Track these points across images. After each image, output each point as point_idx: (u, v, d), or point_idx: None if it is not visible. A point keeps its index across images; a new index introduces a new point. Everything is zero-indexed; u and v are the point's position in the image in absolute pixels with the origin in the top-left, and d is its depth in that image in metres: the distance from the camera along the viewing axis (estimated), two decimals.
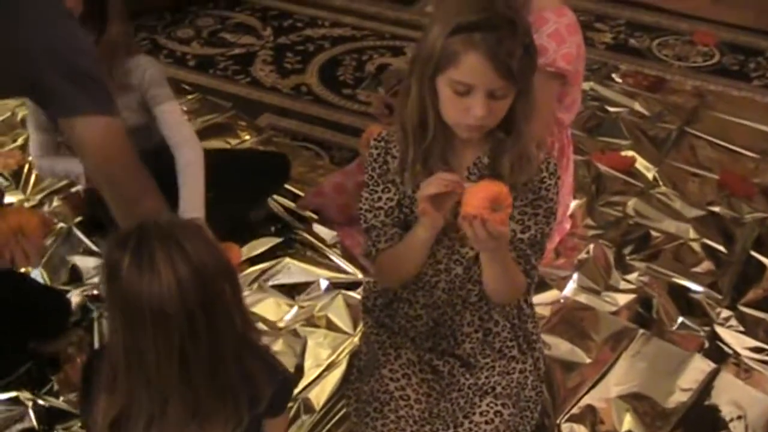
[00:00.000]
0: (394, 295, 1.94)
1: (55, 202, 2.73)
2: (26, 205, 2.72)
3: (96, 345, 2.24)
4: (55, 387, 2.12)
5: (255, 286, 2.42)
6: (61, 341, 2.23)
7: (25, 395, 2.10)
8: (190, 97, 3.26)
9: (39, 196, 2.76)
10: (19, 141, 3.01)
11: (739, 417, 2.08)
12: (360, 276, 2.44)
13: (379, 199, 1.78)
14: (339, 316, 2.33)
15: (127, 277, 1.34)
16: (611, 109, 3.20)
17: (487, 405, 1.83)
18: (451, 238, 1.76)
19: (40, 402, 2.08)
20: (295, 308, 2.36)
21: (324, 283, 2.43)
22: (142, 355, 1.38)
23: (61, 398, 2.10)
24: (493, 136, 1.69)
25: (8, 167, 2.88)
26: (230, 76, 3.43)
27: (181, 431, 1.45)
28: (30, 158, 2.67)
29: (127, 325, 1.38)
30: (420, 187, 1.62)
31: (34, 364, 2.18)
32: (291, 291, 2.42)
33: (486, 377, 1.89)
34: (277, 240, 2.58)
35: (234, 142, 3.00)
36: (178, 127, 2.24)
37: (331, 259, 2.52)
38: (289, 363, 2.17)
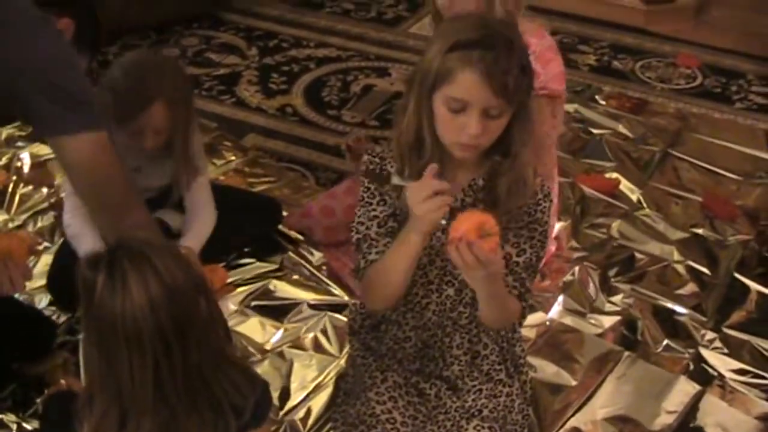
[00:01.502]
0: (382, 317, 1.94)
1: (40, 223, 2.71)
2: (10, 225, 2.70)
3: (82, 367, 2.22)
4: (40, 410, 2.10)
5: (241, 308, 2.41)
6: (46, 363, 2.22)
7: (9, 418, 2.08)
8: None
9: (23, 216, 2.74)
10: (3, 160, 2.99)
11: None
12: (346, 298, 2.44)
13: (374, 210, 1.78)
14: (325, 338, 2.33)
15: (100, 297, 1.36)
16: (595, 131, 3.22)
17: (474, 428, 1.83)
18: (444, 260, 1.76)
19: (25, 425, 2.07)
20: (281, 330, 2.35)
21: (310, 305, 2.43)
22: (116, 375, 1.39)
23: None
24: (489, 159, 1.70)
25: None
26: (215, 96, 3.43)
27: None
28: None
29: (101, 346, 1.39)
30: (408, 191, 1.60)
31: (19, 386, 2.16)
32: (277, 313, 2.41)
33: (473, 400, 1.90)
34: (262, 262, 2.57)
35: (219, 162, 2.99)
36: (206, 200, 2.38)
37: (317, 281, 2.51)
38: (275, 385, 2.16)
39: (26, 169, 2.96)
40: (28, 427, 2.07)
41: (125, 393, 1.39)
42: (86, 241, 2.19)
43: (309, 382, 2.20)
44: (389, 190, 1.75)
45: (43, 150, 3.01)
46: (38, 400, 2.13)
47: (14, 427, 2.07)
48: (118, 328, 1.35)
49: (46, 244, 2.60)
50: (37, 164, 2.97)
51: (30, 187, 2.88)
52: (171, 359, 1.39)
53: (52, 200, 2.80)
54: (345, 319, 2.36)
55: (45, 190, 2.86)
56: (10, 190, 2.86)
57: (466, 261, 1.54)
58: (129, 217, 1.86)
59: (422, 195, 1.56)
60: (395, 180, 1.64)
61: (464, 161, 1.71)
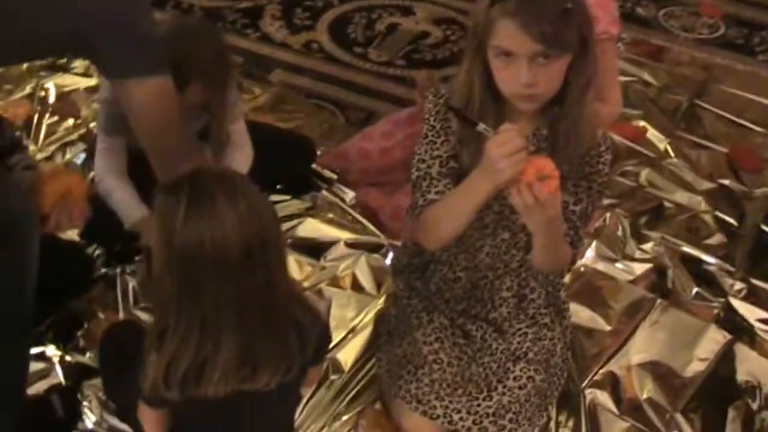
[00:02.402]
0: (432, 256, 1.96)
1: (69, 154, 2.70)
2: (38, 156, 2.69)
3: (120, 301, 2.24)
4: (81, 343, 2.13)
5: None
6: (84, 297, 2.24)
7: (51, 351, 2.10)
8: None
9: (52, 148, 2.73)
10: (27, 89, 2.97)
11: (754, 387, 2.15)
12: (382, 237, 2.46)
13: (438, 148, 1.77)
14: (363, 277, 2.35)
15: (185, 222, 1.37)
16: (621, 78, 3.20)
17: (521, 370, 1.88)
18: (501, 204, 1.77)
19: (67, 358, 2.09)
20: (319, 268, 2.37)
21: (347, 244, 2.44)
22: (199, 299, 1.41)
23: (87, 354, 2.10)
24: (551, 108, 1.71)
25: (18, 117, 2.83)
26: (240, 30, 3.40)
27: (233, 376, 1.47)
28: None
29: (184, 272, 1.40)
30: (491, 144, 1.56)
31: (58, 319, 2.17)
32: (313, 251, 2.43)
33: (518, 343, 1.93)
34: (297, 200, 2.58)
35: (247, 97, 2.97)
36: (244, 140, 2.36)
37: (352, 220, 2.53)
38: None
39: (51, 99, 2.94)
40: (70, 359, 2.10)
41: (208, 317, 1.41)
42: (121, 196, 2.20)
43: (348, 322, 2.23)
44: (456, 135, 1.75)
45: (68, 80, 3.01)
46: (78, 333, 2.16)
47: (56, 359, 2.09)
48: (207, 249, 1.36)
49: None
50: (62, 95, 2.95)
51: (56, 118, 2.86)
52: (253, 282, 1.41)
53: (82, 131, 2.79)
54: (381, 258, 2.40)
55: (72, 121, 2.85)
56: (35, 120, 2.84)
57: (527, 203, 1.55)
58: (188, 163, 1.85)
59: (506, 149, 1.54)
60: (481, 127, 1.63)
61: (526, 112, 1.71)
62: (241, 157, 2.37)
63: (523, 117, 1.72)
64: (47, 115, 2.86)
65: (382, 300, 2.27)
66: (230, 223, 1.38)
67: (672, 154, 2.89)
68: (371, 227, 2.50)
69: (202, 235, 1.37)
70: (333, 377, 2.08)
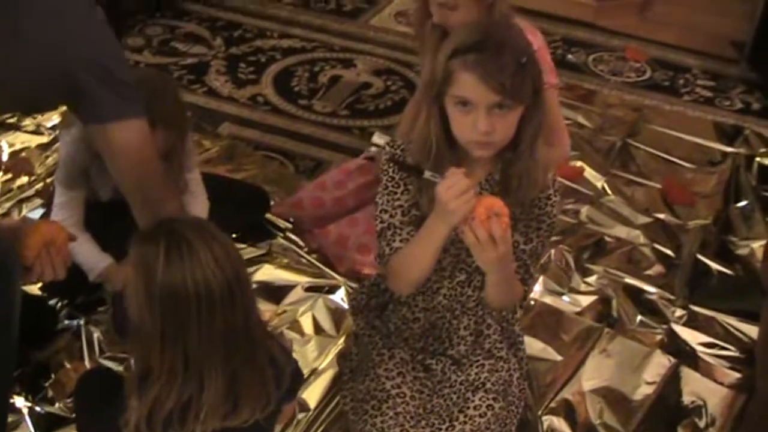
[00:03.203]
0: (390, 297, 2.05)
1: (25, 210, 2.73)
2: None
3: (85, 350, 2.27)
4: (50, 393, 2.15)
5: None
6: (50, 348, 2.26)
7: (21, 402, 2.12)
8: None
9: (7, 205, 2.76)
10: None
11: (700, 406, 2.26)
12: (339, 279, 2.54)
13: (398, 198, 1.86)
14: (322, 319, 2.41)
15: (167, 266, 1.45)
16: None
17: (480, 399, 1.95)
18: (458, 248, 1.87)
19: (36, 408, 2.11)
20: (278, 313, 2.43)
21: (304, 288, 2.51)
22: (183, 339, 1.48)
23: (57, 404, 2.13)
24: (503, 154, 1.81)
25: None
26: (186, 86, 3.47)
27: (216, 412, 1.53)
28: None
29: (168, 314, 1.47)
30: (440, 187, 1.67)
31: (25, 371, 2.19)
32: (272, 295, 2.48)
33: (476, 374, 2.01)
34: (253, 248, 2.64)
35: (198, 151, 3.03)
36: (199, 191, 2.43)
37: (308, 264, 2.60)
38: None
39: (4, 157, 2.97)
40: (39, 410, 2.12)
41: (192, 356, 1.47)
42: (83, 249, 2.22)
43: (311, 362, 2.28)
44: (415, 183, 1.84)
45: (19, 138, 3.05)
46: (46, 384, 2.18)
47: (26, 410, 2.11)
48: (190, 290, 1.44)
49: None
50: (15, 153, 2.99)
51: (9, 176, 2.89)
52: (235, 317, 1.49)
53: (38, 186, 2.82)
54: (338, 300, 2.47)
55: (26, 178, 2.88)
56: None
57: (481, 238, 1.65)
58: (166, 208, 1.92)
59: (455, 191, 1.65)
60: (428, 175, 1.73)
61: (481, 159, 1.81)
62: (199, 205, 2.43)
63: (477, 163, 1.82)
64: (0, 174, 2.89)
65: (342, 340, 2.34)
66: (209, 263, 1.46)
67: (609, 191, 3.02)
68: (327, 270, 2.57)
69: (185, 277, 1.45)
70: (299, 416, 2.13)
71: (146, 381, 1.51)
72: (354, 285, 2.46)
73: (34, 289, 2.34)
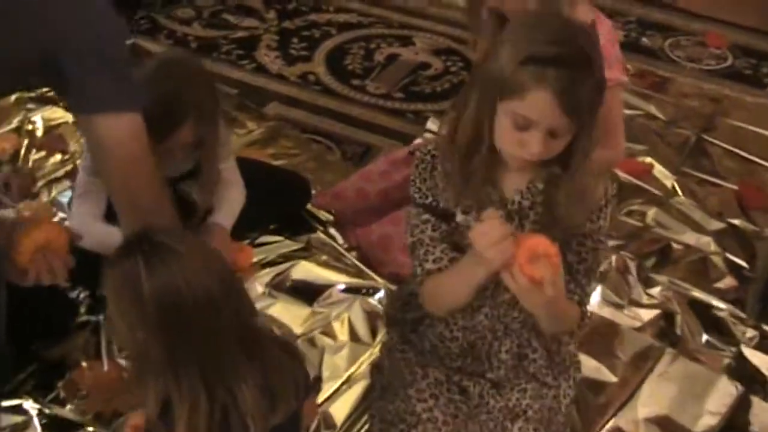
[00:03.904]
0: (427, 311, 1.87)
1: (54, 192, 2.61)
2: None
3: (103, 348, 2.14)
4: (61, 394, 2.02)
5: (268, 290, 2.33)
6: (67, 344, 2.13)
7: (29, 404, 1.99)
8: None
9: (39, 184, 2.63)
10: (14, 123, 2.88)
11: None
12: (379, 280, 2.36)
13: (426, 212, 1.68)
14: (357, 324, 2.25)
15: (150, 276, 1.29)
16: (626, 112, 3.12)
17: (519, 429, 1.77)
18: None
19: (46, 410, 1.98)
20: (311, 314, 2.27)
21: (340, 288, 2.35)
22: (192, 351, 1.33)
23: (68, 406, 2.00)
24: (548, 166, 1.60)
25: (5, 152, 2.75)
26: (234, 61, 3.32)
27: (258, 413, 1.39)
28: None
29: (167, 327, 1.31)
30: (474, 234, 1.49)
31: (38, 369, 2.07)
32: (306, 296, 2.32)
33: (517, 399, 1.82)
34: (290, 241, 2.48)
35: (241, 132, 2.89)
36: (235, 179, 2.30)
37: (346, 263, 2.43)
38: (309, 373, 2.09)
39: (39, 133, 2.85)
40: (49, 412, 1.99)
41: (208, 367, 1.33)
42: (101, 231, 2.06)
43: (342, 372, 2.13)
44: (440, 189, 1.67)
45: (57, 113, 2.92)
46: (59, 384, 2.05)
47: (34, 412, 1.98)
48: (185, 294, 1.29)
49: (61, 215, 2.50)
50: (51, 128, 2.87)
51: (43, 153, 2.77)
52: (242, 311, 1.37)
53: (68, 167, 2.69)
54: (376, 303, 2.30)
55: (59, 156, 2.76)
56: (22, 155, 2.75)
57: (522, 287, 1.48)
58: (159, 215, 1.73)
59: (491, 239, 1.46)
60: (460, 219, 1.56)
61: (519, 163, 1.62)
62: (234, 195, 2.30)
63: (517, 168, 1.62)
64: (34, 150, 2.77)
65: (377, 349, 2.17)
66: (197, 263, 1.32)
67: (679, 191, 2.79)
68: (367, 270, 2.40)
69: (175, 281, 1.30)
70: None
71: (168, 413, 1.35)
72: (394, 287, 2.28)
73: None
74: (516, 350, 1.81)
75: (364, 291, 2.34)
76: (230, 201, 2.30)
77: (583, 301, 1.72)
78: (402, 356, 1.92)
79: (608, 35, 2.13)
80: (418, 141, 2.83)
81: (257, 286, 2.33)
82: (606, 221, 1.70)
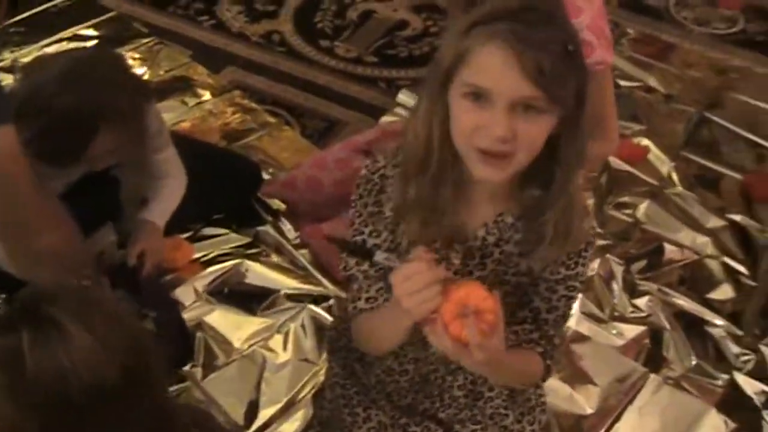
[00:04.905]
0: None
1: None
2: None
3: None
4: None
5: (206, 294, 2.08)
6: None
7: None
8: (145, 41, 2.84)
9: None
10: None
11: None
12: (329, 287, 2.11)
13: (363, 244, 1.42)
14: (303, 338, 2.01)
15: (35, 358, 1.03)
16: (623, 83, 2.82)
17: None
18: None
19: None
20: (253, 323, 2.03)
21: (287, 295, 2.10)
22: None
23: None
24: (524, 190, 1.32)
25: None
26: (192, 17, 3.00)
27: None
28: None
29: (49, 422, 1.06)
30: (394, 278, 1.22)
31: None
32: (249, 302, 2.09)
33: None
34: (236, 235, 2.22)
35: (191, 102, 2.60)
36: (174, 167, 2.06)
37: (296, 265, 2.17)
38: (243, 396, 1.89)
39: None
40: None
41: None
42: None
43: (281, 397, 1.90)
44: (387, 219, 1.39)
45: None
46: None
47: None
48: (72, 382, 1.02)
49: None
50: None
51: None
52: (141, 409, 1.11)
53: None
54: (326, 314, 2.05)
55: None
56: None
57: (446, 348, 1.21)
58: (39, 240, 1.48)
59: (411, 286, 1.19)
60: (379, 257, 1.28)
61: (489, 186, 1.32)
62: (171, 188, 2.07)
63: (486, 193, 1.33)
64: None
65: (323, 370, 1.91)
66: (93, 346, 1.04)
67: (676, 180, 2.51)
68: (317, 274, 2.14)
69: (61, 366, 1.03)
70: None
71: None
72: (345, 295, 2.02)
73: None
74: (470, 387, 1.55)
75: (312, 299, 2.09)
76: (166, 194, 2.06)
77: (548, 354, 1.46)
78: (343, 392, 1.66)
79: (597, 12, 1.83)
80: (386, 119, 2.55)
81: (196, 286, 2.09)
82: (585, 267, 1.42)
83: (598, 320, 2.11)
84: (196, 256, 2.16)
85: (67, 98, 1.69)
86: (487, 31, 1.16)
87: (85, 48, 2.72)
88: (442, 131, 1.26)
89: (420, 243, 1.33)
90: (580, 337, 2.07)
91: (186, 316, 2.01)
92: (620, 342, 2.08)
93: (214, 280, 2.11)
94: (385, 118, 2.58)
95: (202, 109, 2.60)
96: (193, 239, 2.20)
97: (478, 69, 1.17)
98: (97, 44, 2.82)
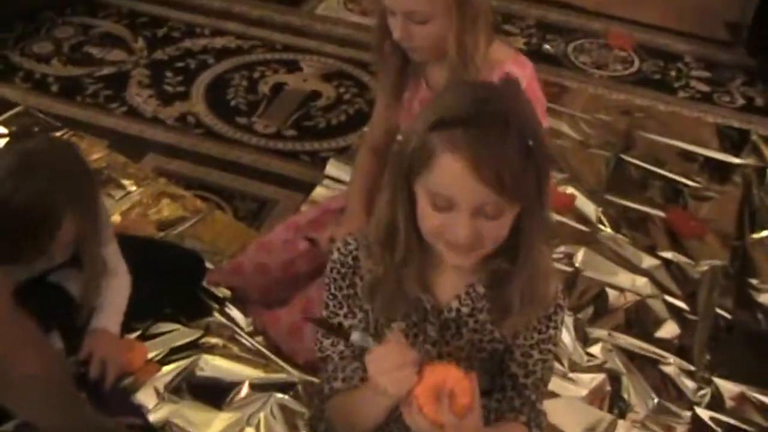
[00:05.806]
0: None
1: None
2: None
3: None
4: None
5: (167, 393, 2.01)
6: None
7: None
8: (59, 134, 2.75)
9: None
10: None
11: None
12: (293, 372, 2.07)
13: (339, 325, 1.45)
14: (274, 425, 1.96)
15: None
16: None
17: None
18: None
19: None
20: (222, 419, 1.97)
21: (252, 385, 2.04)
22: None
23: None
24: (491, 262, 1.35)
25: None
26: (102, 104, 2.93)
27: None
28: None
29: None
30: (368, 359, 1.28)
31: None
32: (212, 397, 2.02)
33: None
34: (187, 329, 2.16)
35: (118, 195, 2.53)
36: (117, 266, 2.03)
37: (253, 351, 2.13)
38: None
39: None
40: None
41: None
42: None
43: None
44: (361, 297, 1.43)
45: None
46: None
47: None
48: None
49: None
50: None
51: None
52: None
53: None
54: (293, 400, 2.01)
55: None
56: None
57: (420, 428, 1.25)
58: (18, 368, 1.42)
59: (385, 366, 1.24)
60: (355, 338, 1.31)
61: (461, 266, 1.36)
62: (118, 288, 2.03)
63: (453, 267, 1.37)
64: None
65: None
66: None
67: (606, 223, 2.58)
68: (277, 360, 2.10)
69: None
70: None
71: None
72: (315, 380, 1.99)
73: None
74: None
75: (278, 387, 2.04)
76: (114, 297, 2.02)
77: (533, 423, 1.49)
78: None
79: (530, 76, 1.90)
80: (319, 192, 2.55)
81: (158, 387, 2.01)
82: (558, 330, 1.47)
83: (560, 374, 2.13)
84: (150, 355, 2.09)
85: (25, 193, 1.66)
86: (449, 138, 1.21)
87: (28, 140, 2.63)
88: (407, 219, 1.31)
89: (390, 319, 1.38)
90: (547, 394, 2.09)
91: (152, 418, 1.95)
92: (584, 392, 2.10)
93: (173, 379, 2.04)
94: (319, 190, 2.57)
95: (130, 200, 2.52)
96: (144, 338, 2.13)
97: (441, 177, 1.23)
98: (39, 133, 2.74)
